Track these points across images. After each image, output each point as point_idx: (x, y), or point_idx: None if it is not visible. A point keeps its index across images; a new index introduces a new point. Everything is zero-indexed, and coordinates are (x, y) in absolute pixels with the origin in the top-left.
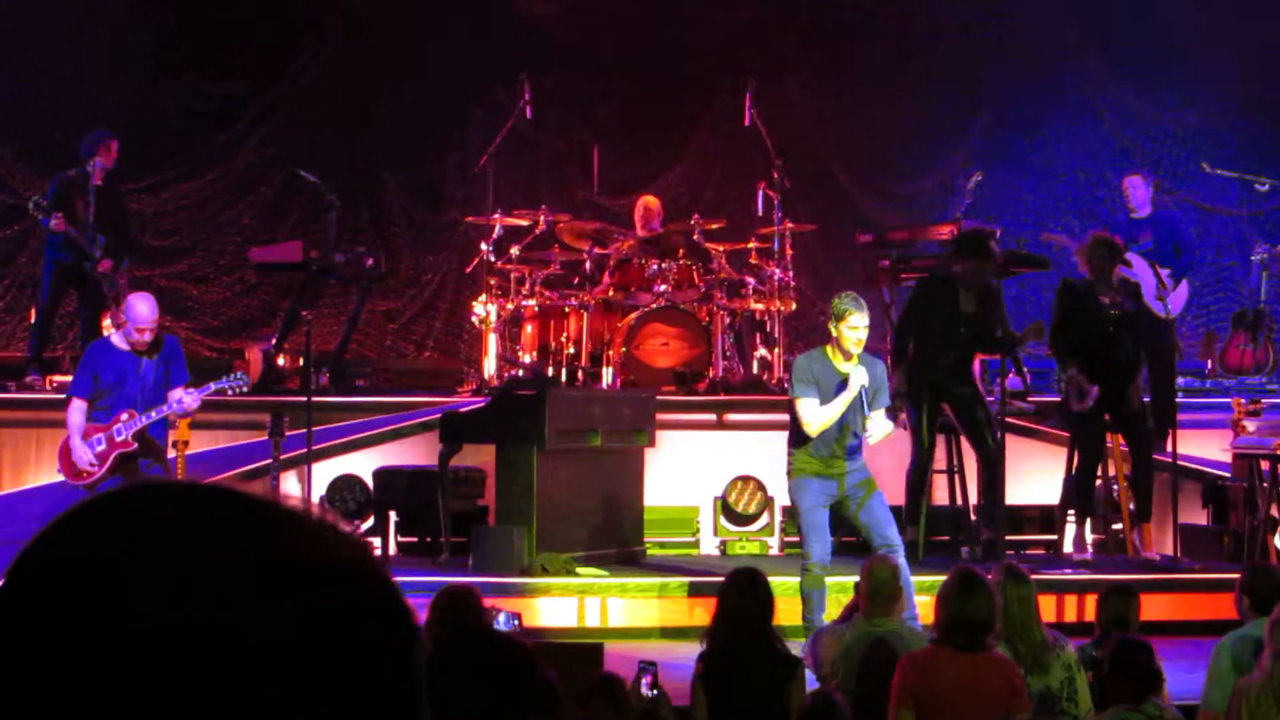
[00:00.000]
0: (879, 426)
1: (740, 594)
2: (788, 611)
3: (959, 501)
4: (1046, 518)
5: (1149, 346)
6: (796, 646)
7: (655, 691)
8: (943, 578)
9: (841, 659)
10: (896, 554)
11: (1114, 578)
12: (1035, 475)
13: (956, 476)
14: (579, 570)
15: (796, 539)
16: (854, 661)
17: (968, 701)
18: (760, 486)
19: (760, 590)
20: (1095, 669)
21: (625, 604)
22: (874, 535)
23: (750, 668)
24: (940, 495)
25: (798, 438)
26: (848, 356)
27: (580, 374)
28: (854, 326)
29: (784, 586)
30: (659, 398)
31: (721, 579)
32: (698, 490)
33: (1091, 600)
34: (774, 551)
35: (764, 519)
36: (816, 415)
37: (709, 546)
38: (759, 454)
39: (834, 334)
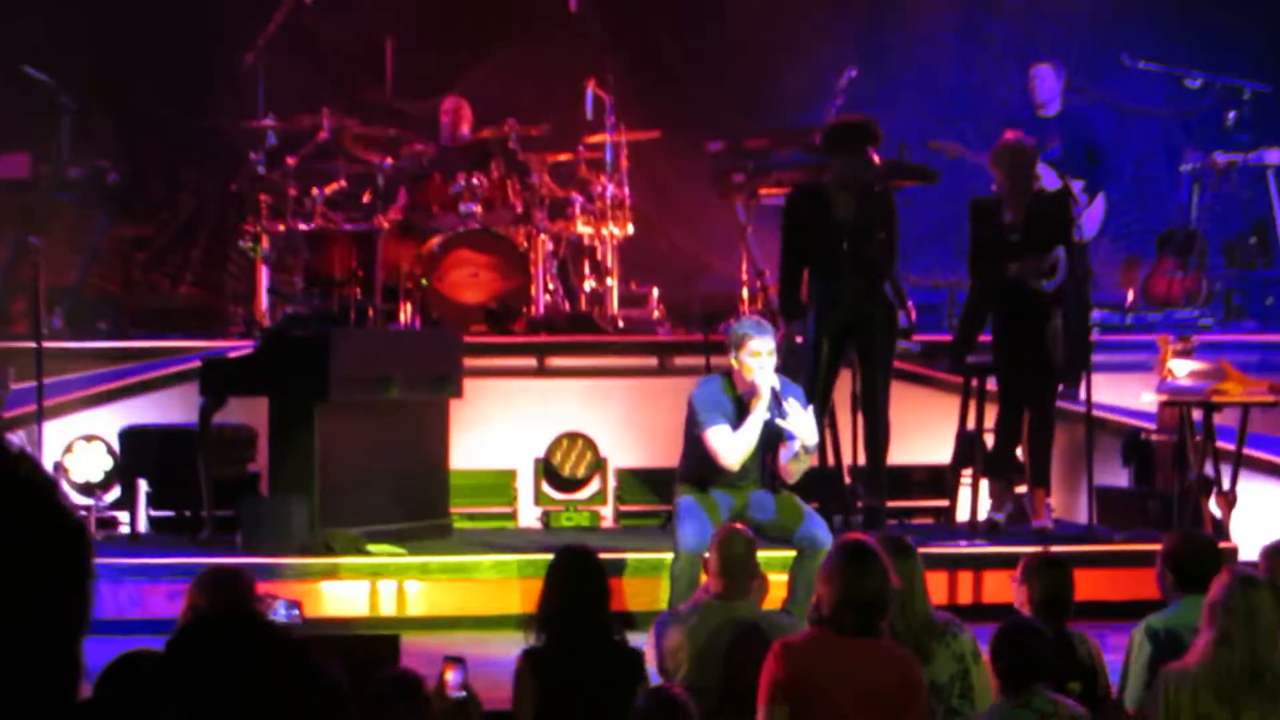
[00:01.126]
0: (801, 420)
1: (568, 576)
2: (629, 597)
3: (830, 460)
4: (935, 480)
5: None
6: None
7: (464, 693)
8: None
9: (687, 649)
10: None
11: (1018, 550)
12: (923, 430)
13: (828, 430)
14: (371, 548)
15: (635, 507)
16: (703, 651)
17: (854, 697)
18: (590, 446)
19: (592, 572)
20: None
21: (427, 588)
22: (792, 532)
23: (583, 665)
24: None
25: (700, 473)
26: (755, 393)
27: (371, 311)
28: (755, 353)
29: (630, 565)
30: (467, 339)
31: (546, 558)
32: (515, 451)
33: (994, 579)
34: (607, 523)
35: (595, 484)
36: (732, 443)
37: (529, 518)
38: (588, 407)
39: (733, 365)
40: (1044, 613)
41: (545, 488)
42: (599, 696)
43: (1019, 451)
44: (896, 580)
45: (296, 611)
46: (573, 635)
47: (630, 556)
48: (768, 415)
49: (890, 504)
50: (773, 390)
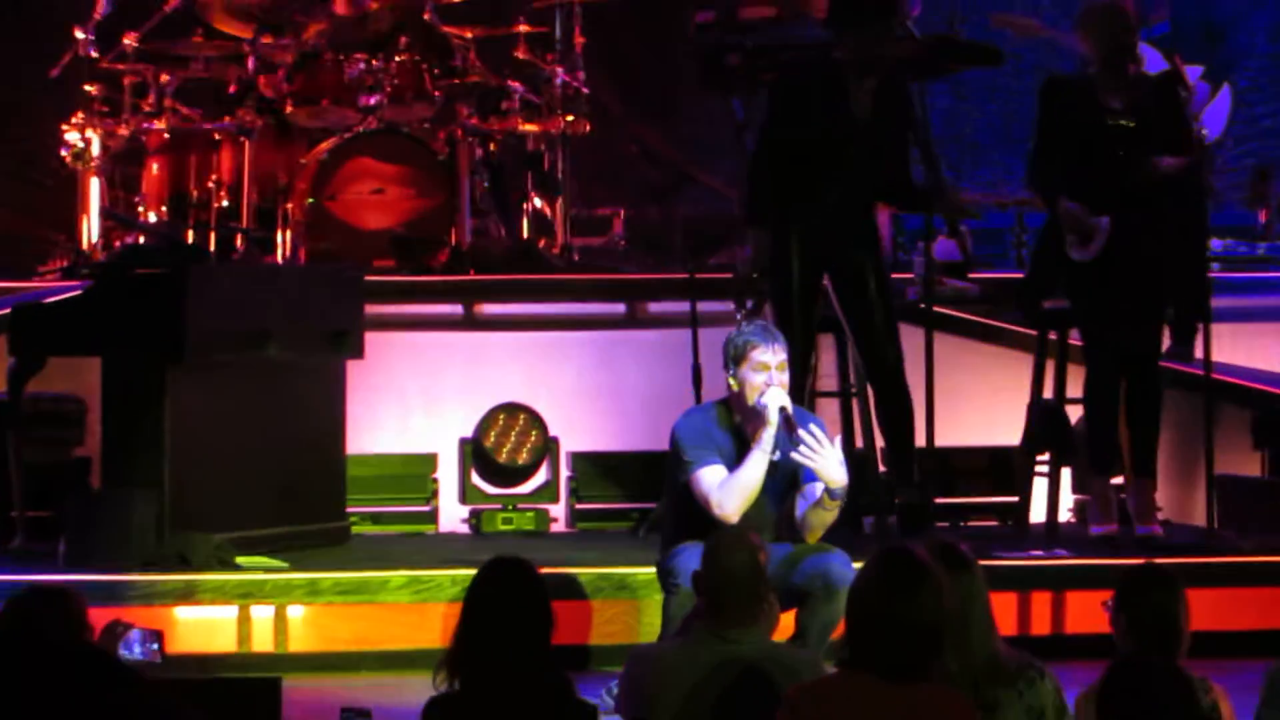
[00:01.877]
0: (824, 455)
1: (493, 599)
2: (591, 626)
3: (859, 442)
4: (1001, 468)
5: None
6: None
7: None
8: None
9: (667, 696)
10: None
11: (1113, 563)
12: (984, 402)
13: (855, 401)
14: (241, 561)
15: (596, 505)
16: (689, 700)
17: None
18: (535, 423)
19: (526, 591)
20: None
21: (317, 615)
22: (797, 564)
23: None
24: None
25: (689, 532)
26: (761, 421)
27: (241, 241)
28: (760, 366)
29: (587, 583)
30: (370, 280)
31: (472, 574)
32: (435, 430)
33: (1080, 601)
34: (559, 527)
35: (542, 475)
36: (729, 488)
37: (452, 519)
38: (532, 370)
39: (732, 386)
40: (1147, 647)
41: (475, 479)
42: None
43: (1114, 430)
44: (950, 604)
45: (156, 646)
46: (496, 679)
47: (588, 572)
48: (777, 450)
49: (940, 501)
50: (783, 415)
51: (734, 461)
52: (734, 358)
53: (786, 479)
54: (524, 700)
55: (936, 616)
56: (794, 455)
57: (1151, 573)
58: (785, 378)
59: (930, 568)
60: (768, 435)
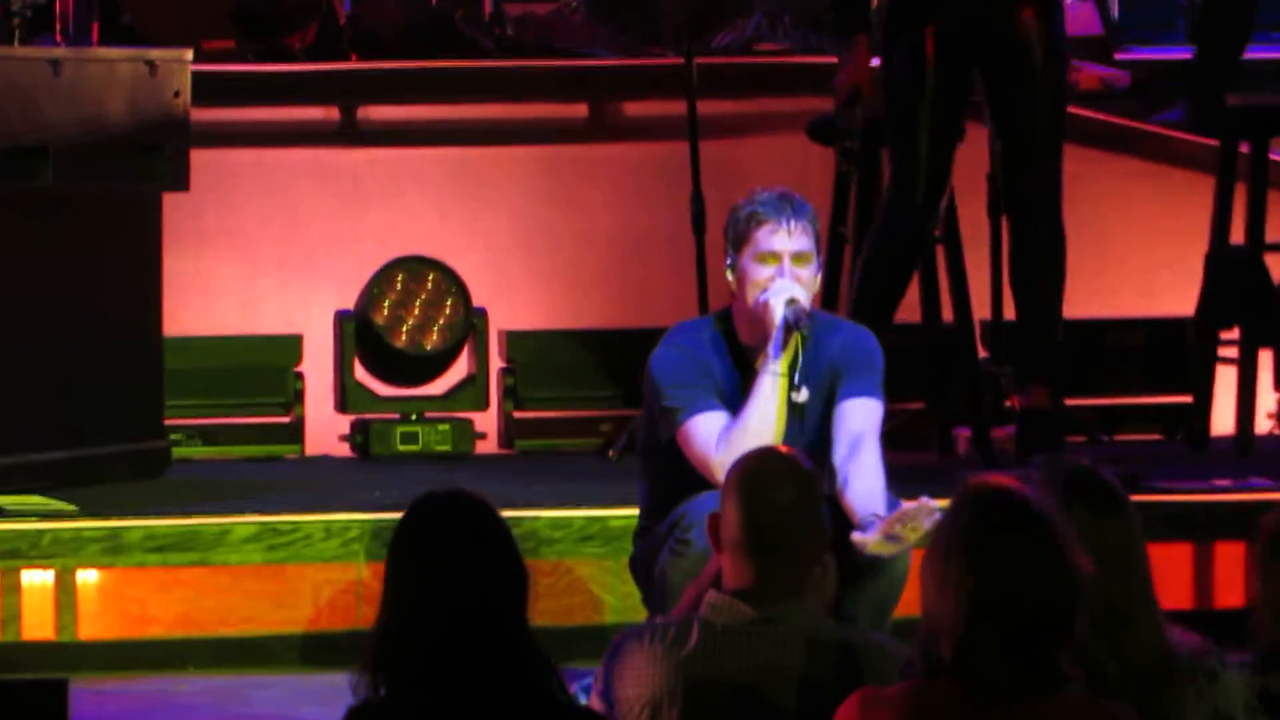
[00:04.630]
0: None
1: (455, 559)
2: (545, 599)
3: (944, 313)
4: (1165, 352)
5: None
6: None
7: None
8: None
9: (674, 698)
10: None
11: None
12: (1139, 248)
13: (940, 248)
14: (2, 503)
15: (548, 413)
16: (709, 702)
17: None
18: (450, 286)
19: (499, 548)
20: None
21: (120, 584)
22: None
23: None
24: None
25: (676, 494)
26: (765, 334)
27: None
28: (768, 255)
29: (540, 535)
30: (199, 68)
31: (376, 520)
32: (296, 300)
33: None
34: (489, 445)
35: (462, 366)
36: (733, 439)
37: (325, 435)
38: (446, 207)
39: (731, 285)
40: None
41: (360, 374)
42: None
43: None
44: (1090, 566)
45: None
46: (446, 677)
47: (536, 516)
48: (802, 387)
49: (1073, 403)
50: (801, 328)
51: (735, 396)
52: (734, 239)
53: (818, 419)
54: (490, 707)
55: (1066, 592)
56: (854, 539)
57: None
58: (807, 273)
59: (1050, 514)
60: (772, 346)
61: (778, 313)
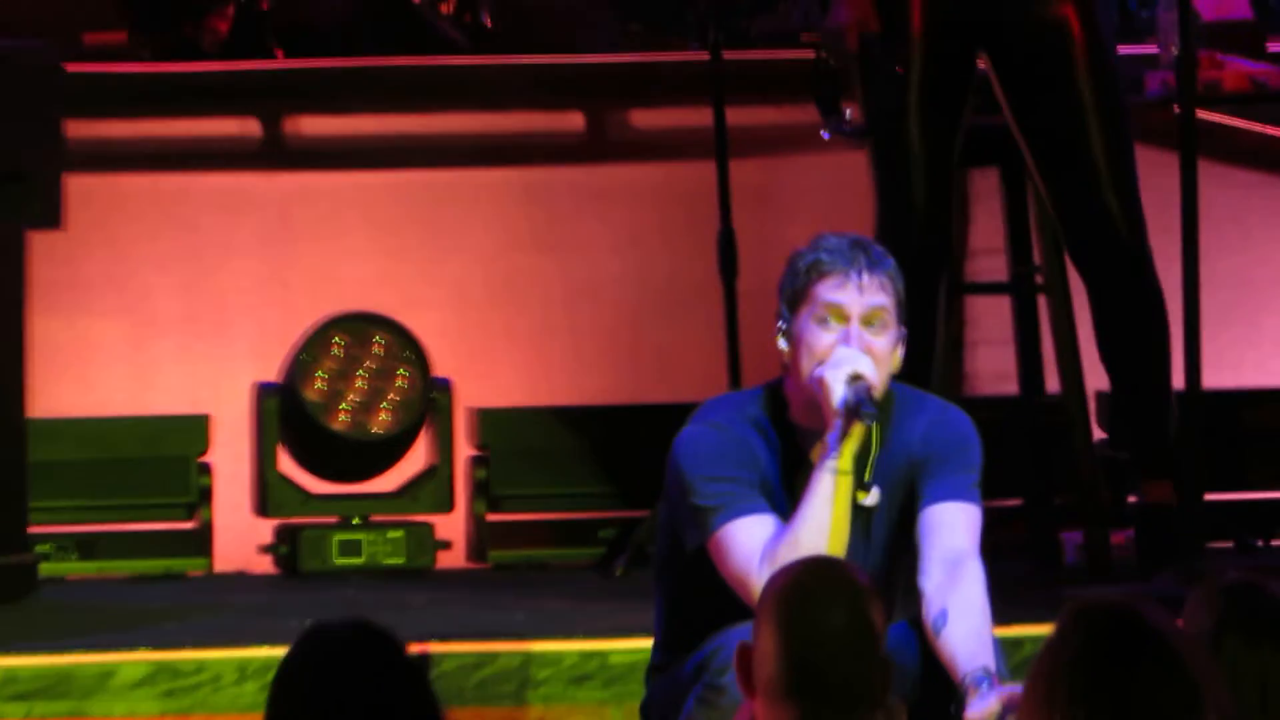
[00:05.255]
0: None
1: (343, 714)
2: None
3: (1049, 380)
4: None
5: None
6: None
7: None
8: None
9: None
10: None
11: None
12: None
13: (1041, 298)
14: None
15: (524, 514)
16: None
17: None
18: (404, 351)
19: (406, 700)
20: None
21: None
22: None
23: None
24: (988, 362)
25: (703, 634)
26: (829, 421)
27: None
28: (834, 310)
29: (507, 670)
30: (76, 68)
31: (280, 658)
32: (205, 370)
33: None
34: (455, 558)
35: (420, 451)
36: (781, 552)
37: (241, 546)
38: (400, 251)
39: (783, 353)
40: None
41: (286, 465)
42: None
43: None
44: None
45: None
46: None
47: (516, 650)
48: (872, 487)
49: (1215, 497)
50: (864, 416)
51: (785, 497)
52: (789, 295)
53: (891, 529)
54: None
55: None
56: (969, 717)
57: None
58: (884, 342)
59: (1187, 642)
60: (833, 438)
61: (836, 392)
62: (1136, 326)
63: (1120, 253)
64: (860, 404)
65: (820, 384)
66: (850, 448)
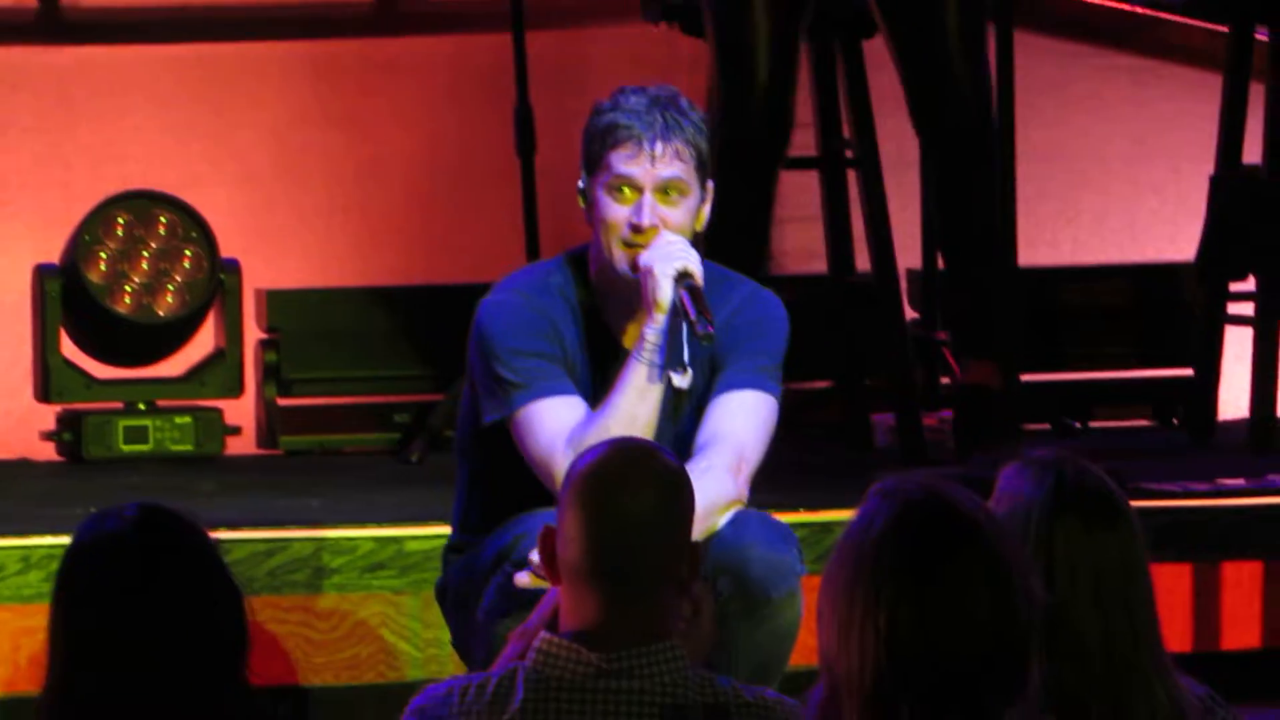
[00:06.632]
0: None
1: (135, 598)
2: (325, 650)
3: (859, 259)
4: (1158, 309)
5: None
6: None
7: None
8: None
9: None
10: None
11: None
12: (1120, 173)
13: (853, 172)
14: None
15: (316, 398)
16: None
17: None
18: (189, 230)
19: (204, 585)
20: None
21: None
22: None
23: None
24: (796, 239)
25: (509, 504)
26: (650, 312)
27: None
28: (626, 180)
29: (298, 559)
30: None
31: (64, 546)
32: None
33: None
34: (245, 444)
35: (208, 334)
36: (588, 438)
37: (22, 432)
38: (183, 122)
39: (584, 207)
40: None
41: (68, 349)
42: None
43: None
44: (1042, 597)
45: None
46: None
47: (307, 537)
48: (689, 368)
49: (1033, 377)
50: (688, 289)
51: (589, 374)
52: (585, 156)
53: (698, 407)
54: None
55: (1016, 633)
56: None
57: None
58: (680, 213)
59: (996, 526)
60: (653, 332)
61: (664, 288)
62: (976, 199)
63: (969, 122)
64: (695, 305)
65: (649, 275)
66: (659, 338)
